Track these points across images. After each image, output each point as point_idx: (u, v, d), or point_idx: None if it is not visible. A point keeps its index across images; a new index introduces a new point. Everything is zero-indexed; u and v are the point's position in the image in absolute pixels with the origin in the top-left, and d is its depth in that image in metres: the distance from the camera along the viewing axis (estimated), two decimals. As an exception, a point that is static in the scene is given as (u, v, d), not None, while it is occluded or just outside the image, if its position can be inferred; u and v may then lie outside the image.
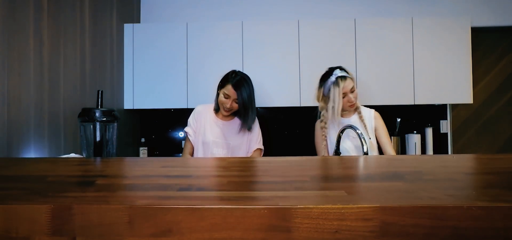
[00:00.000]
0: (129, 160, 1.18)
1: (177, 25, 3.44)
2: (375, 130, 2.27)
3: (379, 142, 2.29)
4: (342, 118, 2.27)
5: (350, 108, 2.23)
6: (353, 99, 2.17)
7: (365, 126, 2.22)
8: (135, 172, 0.88)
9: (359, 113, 2.27)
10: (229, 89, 2.21)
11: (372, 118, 2.29)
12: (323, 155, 2.30)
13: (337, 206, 0.47)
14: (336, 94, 2.16)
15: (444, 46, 3.33)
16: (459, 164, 0.92)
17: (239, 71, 2.30)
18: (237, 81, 2.21)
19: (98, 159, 1.19)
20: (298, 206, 0.47)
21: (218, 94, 2.33)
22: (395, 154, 2.29)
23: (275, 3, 3.77)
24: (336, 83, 2.16)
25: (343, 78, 2.17)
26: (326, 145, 2.28)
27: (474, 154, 1.30)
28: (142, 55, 3.43)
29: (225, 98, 2.23)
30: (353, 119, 2.26)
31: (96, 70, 2.83)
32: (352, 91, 2.18)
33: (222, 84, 2.29)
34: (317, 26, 3.38)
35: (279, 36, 3.39)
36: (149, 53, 3.43)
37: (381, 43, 3.35)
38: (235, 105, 2.25)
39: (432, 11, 3.70)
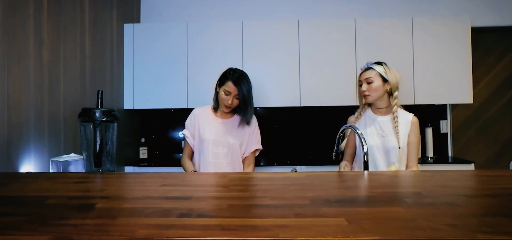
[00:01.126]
0: (128, 177, 1.17)
1: (177, 25, 3.43)
2: (408, 136, 2.15)
3: (407, 150, 2.18)
4: (377, 116, 2.21)
5: (365, 98, 2.19)
6: (364, 88, 2.16)
7: (397, 131, 2.12)
8: (135, 192, 0.87)
9: (394, 114, 2.16)
10: (229, 85, 2.24)
11: (409, 123, 2.17)
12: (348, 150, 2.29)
13: (337, 238, 0.47)
14: (357, 81, 2.25)
15: (444, 46, 3.33)
16: (459, 183, 0.92)
17: (236, 68, 2.34)
18: (236, 77, 2.26)
19: (98, 176, 1.17)
20: (298, 239, 0.47)
21: (217, 93, 2.35)
22: (417, 168, 2.21)
23: (275, 3, 3.76)
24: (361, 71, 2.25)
25: (366, 68, 2.21)
26: (353, 139, 2.25)
27: (474, 170, 1.27)
28: (142, 55, 3.43)
29: (226, 95, 2.26)
30: (387, 119, 2.19)
31: (96, 70, 2.82)
32: (368, 81, 2.15)
33: (221, 82, 2.31)
34: (317, 26, 3.37)
35: (279, 36, 3.38)
36: (149, 53, 3.42)
37: (381, 43, 3.34)
38: (236, 101, 2.28)
39: (432, 11, 3.69)
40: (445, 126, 3.77)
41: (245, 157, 2.38)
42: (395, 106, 2.17)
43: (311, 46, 3.36)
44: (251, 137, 2.38)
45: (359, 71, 2.26)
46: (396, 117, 2.15)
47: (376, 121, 2.19)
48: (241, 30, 3.38)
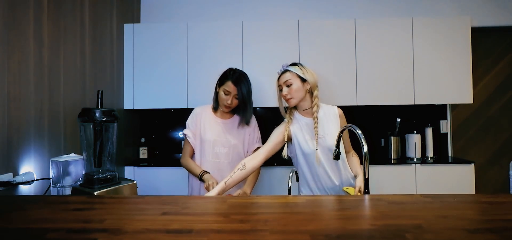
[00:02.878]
0: (128, 203, 1.15)
1: (177, 25, 3.44)
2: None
3: (343, 141, 2.19)
4: (305, 118, 2.17)
5: (287, 102, 2.15)
6: (285, 92, 2.11)
7: (316, 133, 2.09)
8: (136, 223, 0.87)
9: (314, 115, 2.12)
10: (229, 85, 2.26)
11: (336, 116, 2.18)
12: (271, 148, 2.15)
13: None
14: (276, 86, 2.20)
15: (444, 46, 3.33)
16: (460, 213, 0.91)
17: (236, 69, 2.36)
18: (236, 77, 2.28)
19: (98, 201, 1.15)
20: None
21: (216, 93, 2.36)
22: (354, 153, 2.22)
23: (275, 3, 3.76)
24: (278, 75, 2.20)
25: (282, 72, 2.16)
26: (284, 142, 2.15)
27: (475, 195, 1.25)
28: (142, 55, 3.43)
29: (225, 94, 2.27)
30: (310, 121, 2.15)
31: (96, 70, 2.83)
32: (287, 84, 2.11)
33: (221, 82, 2.33)
34: (317, 26, 3.38)
35: (279, 36, 3.38)
36: (149, 53, 3.43)
37: (381, 43, 3.35)
38: (235, 101, 2.30)
39: (432, 11, 3.69)
40: (445, 126, 3.78)
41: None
42: (315, 107, 2.13)
43: (311, 46, 3.36)
44: (252, 136, 2.40)
45: (277, 76, 2.21)
46: (316, 117, 2.11)
47: (307, 124, 2.15)
48: (241, 30, 3.39)
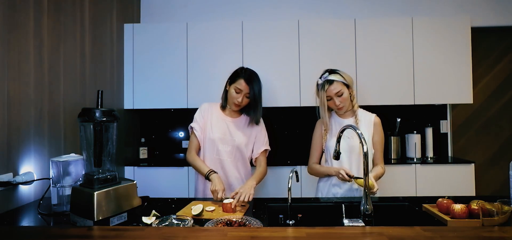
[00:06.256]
0: (129, 238, 1.14)
1: (177, 25, 3.44)
2: (372, 136, 2.25)
3: (374, 150, 2.26)
4: (343, 119, 2.28)
5: (339, 110, 2.24)
6: (338, 102, 2.18)
7: (357, 123, 2.22)
8: None
9: (356, 117, 2.25)
10: (241, 83, 2.23)
11: (371, 123, 2.26)
12: (317, 157, 2.36)
13: None
14: (321, 97, 2.22)
15: (444, 46, 3.33)
16: None
17: (247, 68, 2.33)
18: (248, 75, 2.26)
19: (99, 232, 1.15)
20: None
21: (226, 91, 2.33)
22: (382, 166, 2.25)
23: (275, 3, 3.76)
24: (322, 86, 2.21)
25: (329, 81, 2.18)
26: (324, 146, 2.30)
27: (476, 228, 1.20)
28: (142, 55, 3.43)
29: (236, 92, 2.25)
30: (351, 121, 2.26)
31: (96, 70, 2.82)
32: (339, 94, 2.17)
33: (232, 80, 2.30)
34: (317, 26, 3.38)
35: (279, 36, 3.38)
36: (149, 53, 3.43)
37: (381, 43, 3.35)
38: (246, 100, 2.27)
39: (432, 11, 3.69)
40: (445, 126, 3.78)
41: (256, 158, 2.37)
42: (356, 105, 2.28)
43: (311, 46, 3.36)
44: (259, 138, 2.37)
45: (320, 86, 2.23)
46: (357, 115, 2.25)
47: (342, 125, 2.22)
48: (241, 30, 3.39)
